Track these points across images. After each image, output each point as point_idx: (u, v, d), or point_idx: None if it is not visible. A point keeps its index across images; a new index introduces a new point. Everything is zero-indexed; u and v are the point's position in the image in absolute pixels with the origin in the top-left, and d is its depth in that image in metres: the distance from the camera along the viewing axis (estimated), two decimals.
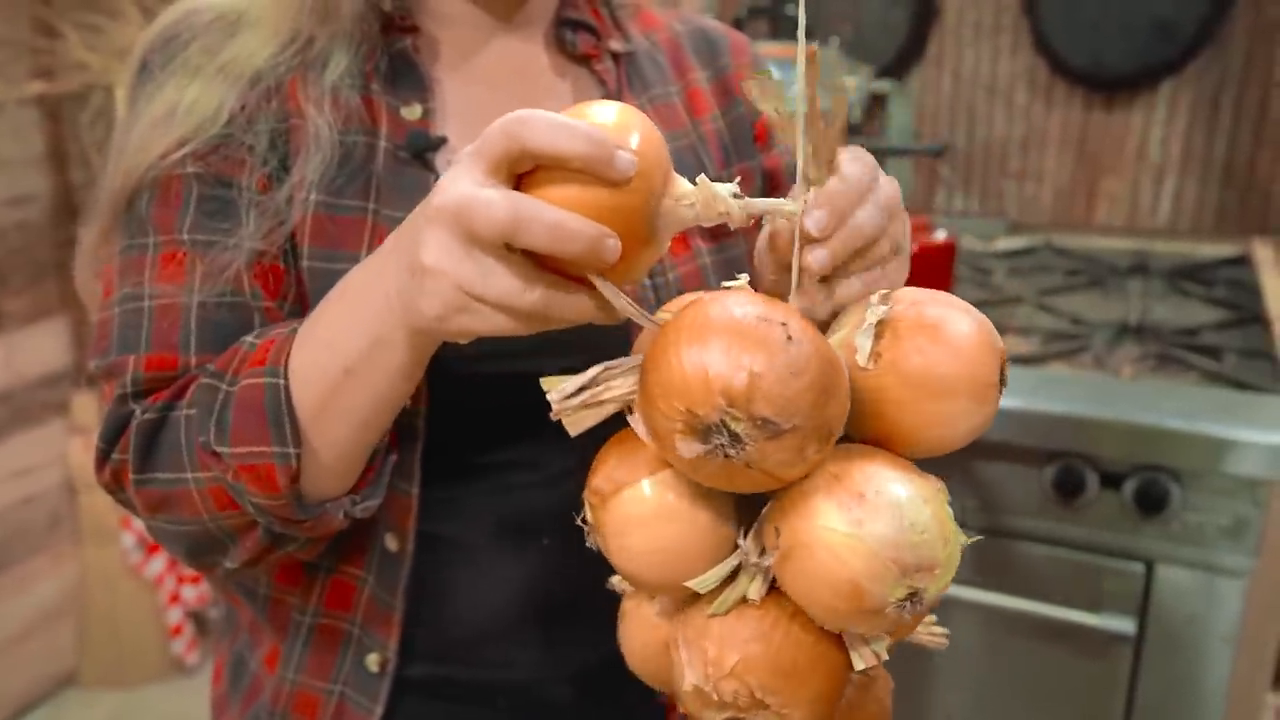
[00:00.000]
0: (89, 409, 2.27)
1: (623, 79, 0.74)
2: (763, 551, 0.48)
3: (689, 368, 0.42)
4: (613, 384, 0.49)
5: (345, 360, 0.55)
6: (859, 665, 0.48)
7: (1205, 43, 1.81)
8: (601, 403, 0.49)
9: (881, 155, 1.98)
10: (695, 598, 0.49)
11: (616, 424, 0.51)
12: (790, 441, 0.42)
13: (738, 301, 0.44)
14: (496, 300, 0.46)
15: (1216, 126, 1.84)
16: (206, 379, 0.60)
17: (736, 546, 0.48)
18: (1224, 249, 1.81)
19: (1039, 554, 1.24)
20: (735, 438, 0.42)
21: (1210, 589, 1.17)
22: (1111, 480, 1.19)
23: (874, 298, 0.49)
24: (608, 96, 0.72)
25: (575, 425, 0.50)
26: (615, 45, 0.75)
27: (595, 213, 0.45)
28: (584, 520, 0.51)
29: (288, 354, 0.58)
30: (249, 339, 0.61)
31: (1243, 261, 1.74)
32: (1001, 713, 1.32)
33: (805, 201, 0.49)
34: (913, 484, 0.45)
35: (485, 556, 0.70)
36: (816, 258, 0.49)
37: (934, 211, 2.07)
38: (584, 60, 0.74)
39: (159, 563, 2.30)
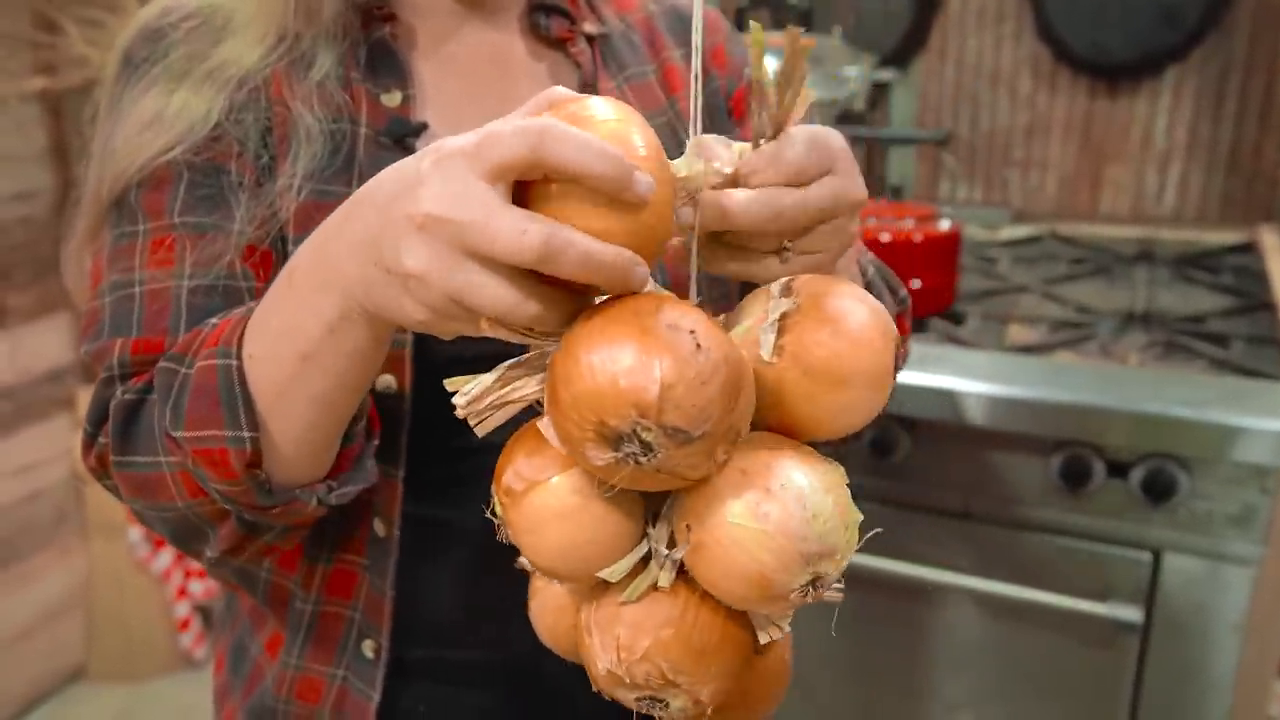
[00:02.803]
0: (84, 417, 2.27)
1: (598, 61, 0.75)
2: (671, 542, 0.49)
3: (600, 378, 0.42)
4: (518, 384, 0.49)
5: (302, 345, 0.53)
6: (764, 640, 0.51)
7: (1210, 29, 1.80)
8: (509, 404, 0.49)
9: (884, 144, 1.98)
10: (604, 584, 0.50)
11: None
12: (700, 447, 0.43)
13: (646, 308, 0.44)
14: (491, 312, 0.44)
15: (1221, 113, 1.83)
16: (167, 362, 0.59)
17: (644, 535, 0.49)
18: (1230, 236, 1.80)
19: (1045, 543, 1.24)
20: (646, 446, 0.42)
21: (1218, 577, 1.17)
22: (1118, 469, 1.18)
23: (775, 289, 0.50)
24: (583, 79, 0.73)
25: (483, 427, 0.49)
26: (589, 28, 0.75)
27: (611, 230, 0.44)
28: (493, 514, 0.51)
29: (241, 334, 0.56)
30: (212, 320, 0.60)
31: (1249, 248, 1.74)
32: (1008, 702, 1.32)
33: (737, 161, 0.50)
34: (815, 473, 0.46)
35: (473, 537, 0.70)
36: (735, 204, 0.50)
37: (938, 201, 2.06)
38: (558, 44, 0.75)
39: (166, 557, 2.31)
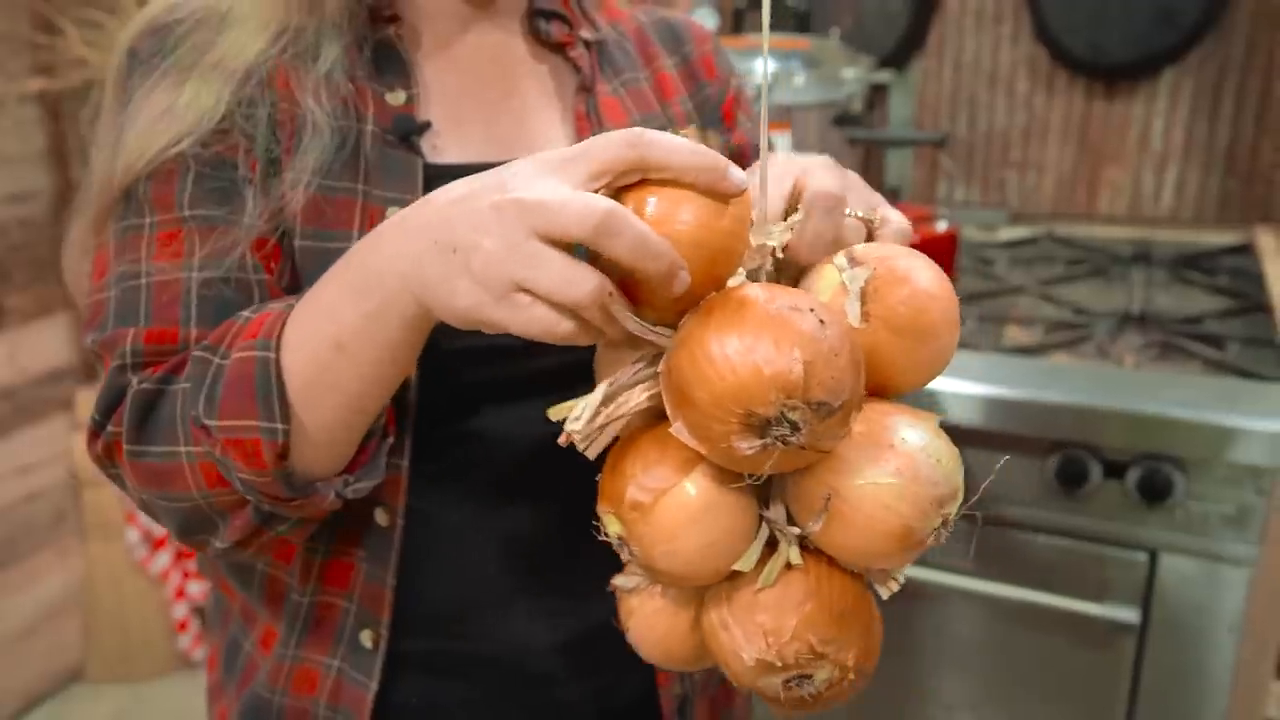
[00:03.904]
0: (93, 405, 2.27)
1: (596, 65, 0.77)
2: (789, 520, 0.50)
3: (742, 370, 0.43)
4: (623, 399, 0.50)
5: (337, 334, 0.55)
6: (885, 596, 0.52)
7: (1207, 30, 1.80)
8: (616, 419, 0.50)
9: (882, 146, 1.98)
10: (729, 580, 0.51)
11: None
12: (841, 416, 0.45)
13: (762, 296, 0.46)
14: (546, 291, 0.46)
15: (1219, 114, 1.83)
16: (200, 351, 0.60)
17: (760, 520, 0.50)
18: (1227, 237, 1.81)
19: (1042, 544, 1.24)
20: (793, 426, 0.44)
21: (1214, 578, 1.17)
22: (1114, 469, 1.19)
23: (839, 260, 0.53)
24: (582, 82, 0.76)
25: (594, 449, 0.50)
26: (585, 34, 0.78)
27: (691, 240, 0.46)
28: (618, 539, 0.51)
29: (281, 328, 0.58)
30: (244, 314, 0.61)
31: (1245, 250, 1.74)
32: (1005, 703, 1.33)
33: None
34: (921, 423, 0.49)
35: (474, 529, 0.71)
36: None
37: (935, 202, 2.07)
38: (558, 48, 0.77)
39: (164, 558, 2.31)
